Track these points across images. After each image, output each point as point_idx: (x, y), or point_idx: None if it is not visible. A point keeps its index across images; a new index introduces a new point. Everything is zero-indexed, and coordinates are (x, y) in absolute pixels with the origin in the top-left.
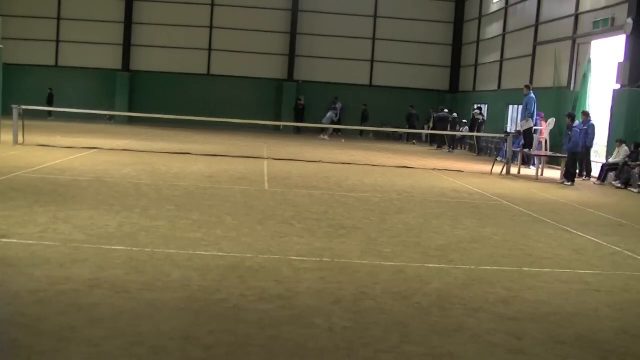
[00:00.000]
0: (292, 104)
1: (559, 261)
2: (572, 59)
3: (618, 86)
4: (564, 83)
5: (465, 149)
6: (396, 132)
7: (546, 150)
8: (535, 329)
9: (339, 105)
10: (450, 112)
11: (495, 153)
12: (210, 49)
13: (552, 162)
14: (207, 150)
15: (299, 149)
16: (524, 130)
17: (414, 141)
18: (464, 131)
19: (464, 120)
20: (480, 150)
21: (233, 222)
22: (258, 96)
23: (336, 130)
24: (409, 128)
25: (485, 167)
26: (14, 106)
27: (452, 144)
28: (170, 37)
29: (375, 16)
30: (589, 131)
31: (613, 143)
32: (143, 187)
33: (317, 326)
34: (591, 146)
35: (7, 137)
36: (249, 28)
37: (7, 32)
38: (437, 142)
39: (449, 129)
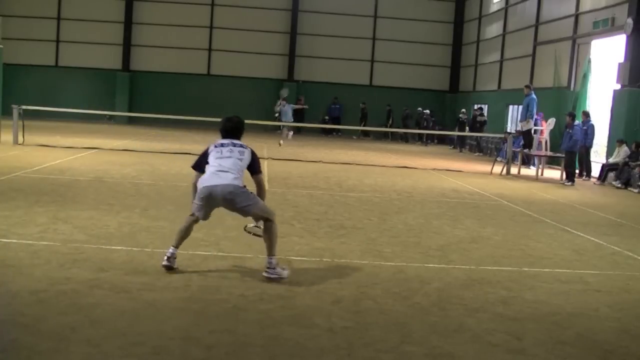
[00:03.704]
0: (292, 104)
1: (559, 261)
2: (572, 59)
3: (618, 86)
4: (564, 83)
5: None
6: (396, 132)
7: (546, 150)
8: (535, 329)
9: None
10: (424, 109)
11: (496, 153)
12: (210, 49)
13: (552, 162)
14: None
15: (299, 149)
16: (524, 131)
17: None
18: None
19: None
20: (463, 146)
21: (233, 222)
22: (258, 96)
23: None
24: (363, 125)
25: (485, 167)
26: (14, 106)
27: (425, 139)
28: (170, 37)
29: (375, 16)
30: (588, 131)
31: (613, 143)
32: (143, 187)
33: (317, 326)
34: (591, 146)
35: (7, 137)
36: (249, 28)
37: (7, 32)
38: (405, 138)
39: (426, 125)
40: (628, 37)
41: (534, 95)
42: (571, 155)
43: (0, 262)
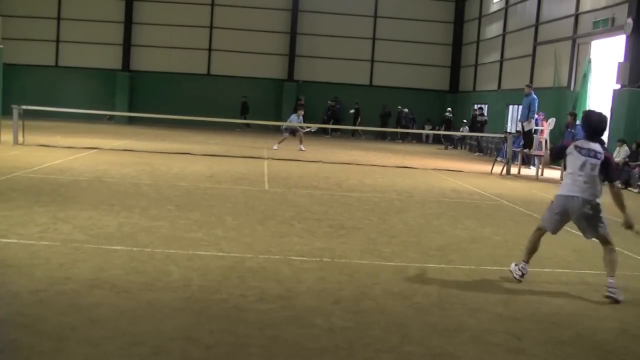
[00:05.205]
0: (292, 104)
1: (559, 261)
2: (572, 59)
3: (618, 86)
4: (564, 83)
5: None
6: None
7: (546, 150)
8: (535, 329)
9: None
10: (404, 107)
11: (496, 153)
12: (210, 49)
13: (552, 162)
14: (207, 150)
15: (299, 149)
16: (525, 131)
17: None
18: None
19: (464, 120)
20: (450, 144)
21: (233, 222)
22: (258, 96)
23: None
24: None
25: (485, 167)
26: (14, 106)
27: (400, 137)
28: (170, 37)
29: (375, 16)
30: None
31: (613, 143)
32: (143, 187)
33: (317, 326)
34: None
35: (7, 137)
36: (249, 28)
37: (7, 32)
38: (384, 136)
39: (406, 123)
40: (628, 37)
41: (534, 95)
42: None
43: (0, 262)
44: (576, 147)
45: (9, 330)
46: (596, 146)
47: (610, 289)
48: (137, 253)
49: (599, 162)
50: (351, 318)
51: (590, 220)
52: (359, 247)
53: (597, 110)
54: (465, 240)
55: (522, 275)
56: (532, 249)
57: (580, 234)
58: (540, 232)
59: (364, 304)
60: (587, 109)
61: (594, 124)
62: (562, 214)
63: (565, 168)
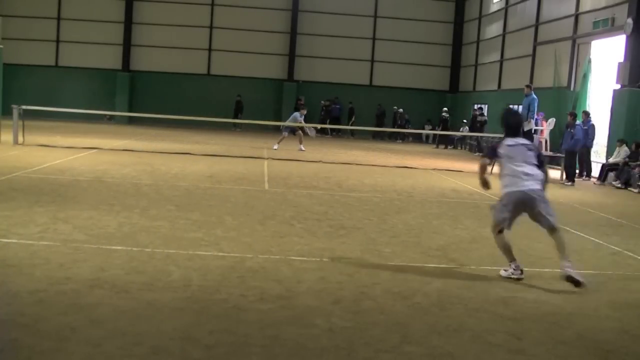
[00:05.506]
0: (292, 104)
1: (559, 261)
2: (572, 59)
3: (618, 86)
4: (564, 83)
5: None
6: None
7: (546, 150)
8: (535, 329)
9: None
10: (399, 108)
11: None
12: (210, 49)
13: (552, 162)
14: (207, 150)
15: (299, 149)
16: (525, 131)
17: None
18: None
19: (464, 120)
20: (448, 144)
21: (233, 222)
22: (258, 96)
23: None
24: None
25: None
26: (14, 106)
27: (397, 137)
28: (170, 37)
29: (375, 16)
30: (589, 131)
31: (613, 143)
32: (143, 187)
33: (317, 326)
34: (591, 146)
35: (7, 137)
36: (249, 28)
37: (7, 32)
38: (379, 136)
39: (401, 123)
40: (628, 37)
41: (534, 95)
42: (572, 155)
43: (0, 262)
44: (508, 146)
45: (9, 330)
46: (523, 140)
47: (567, 269)
48: (137, 253)
49: (534, 153)
50: (351, 318)
51: (543, 208)
52: (359, 247)
53: (513, 108)
54: (465, 240)
55: (521, 272)
56: (507, 248)
57: (581, 234)
58: (501, 232)
59: (364, 304)
60: (506, 108)
61: (511, 122)
62: (516, 209)
63: (500, 169)
